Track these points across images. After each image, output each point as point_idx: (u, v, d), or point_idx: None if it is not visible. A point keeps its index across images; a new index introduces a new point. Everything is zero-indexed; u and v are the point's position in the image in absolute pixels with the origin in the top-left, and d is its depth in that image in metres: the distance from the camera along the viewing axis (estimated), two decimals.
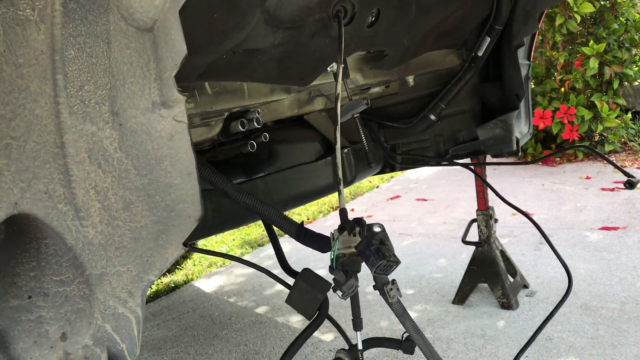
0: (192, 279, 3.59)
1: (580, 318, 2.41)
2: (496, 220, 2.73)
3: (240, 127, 1.98)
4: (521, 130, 2.62)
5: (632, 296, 2.55)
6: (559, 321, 2.40)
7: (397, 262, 1.08)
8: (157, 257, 0.95)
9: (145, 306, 3.03)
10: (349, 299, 1.29)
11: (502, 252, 2.72)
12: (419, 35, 1.94)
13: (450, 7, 1.93)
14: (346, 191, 5.51)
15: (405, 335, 1.50)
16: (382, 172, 2.87)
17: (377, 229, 1.16)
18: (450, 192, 4.93)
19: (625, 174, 2.03)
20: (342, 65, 1.35)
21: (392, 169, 2.86)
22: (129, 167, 0.91)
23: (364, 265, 1.18)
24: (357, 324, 1.31)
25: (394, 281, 1.31)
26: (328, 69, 1.75)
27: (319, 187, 2.43)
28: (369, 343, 1.56)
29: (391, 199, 5.06)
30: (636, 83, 5.78)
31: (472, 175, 2.68)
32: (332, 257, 1.15)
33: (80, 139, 0.87)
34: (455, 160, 2.62)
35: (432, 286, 2.99)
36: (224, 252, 4.10)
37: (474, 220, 2.77)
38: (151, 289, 3.48)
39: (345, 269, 1.14)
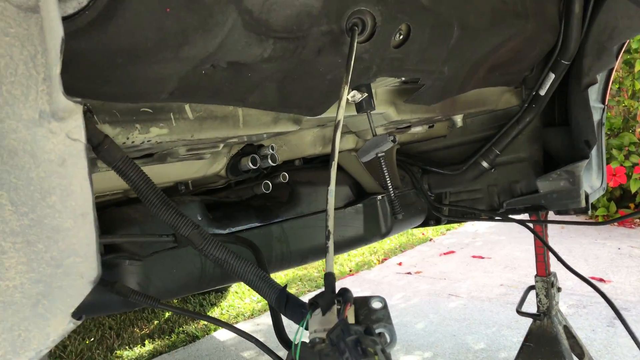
0: (214, 330, 3.30)
1: None
2: (559, 289, 2.30)
3: (250, 164, 1.71)
4: (592, 184, 2.21)
5: None
6: None
7: None
8: (35, 332, 0.66)
9: (159, 358, 2.75)
10: None
11: (566, 328, 2.27)
12: (465, 65, 1.62)
13: (504, 34, 1.61)
14: (395, 243, 5.12)
15: None
16: (425, 224, 2.51)
17: (375, 305, 0.83)
18: (510, 251, 4.45)
19: None
20: (347, 87, 1.05)
21: (437, 222, 2.50)
22: (3, 202, 0.64)
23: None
24: None
25: None
26: (349, 98, 1.46)
27: (346, 238, 2.11)
28: None
29: (444, 254, 4.63)
30: None
31: None
32: (297, 343, 0.83)
33: None
34: (510, 216, 2.24)
35: None
36: (254, 302, 3.81)
37: (532, 288, 2.34)
38: (169, 338, 3.22)
39: (320, 356, 0.82)
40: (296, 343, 0.82)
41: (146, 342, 3.18)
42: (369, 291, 3.77)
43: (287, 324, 1.45)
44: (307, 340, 0.89)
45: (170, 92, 1.05)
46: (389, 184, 1.55)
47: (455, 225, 5.66)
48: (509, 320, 2.99)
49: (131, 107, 1.09)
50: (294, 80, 1.22)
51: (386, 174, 1.57)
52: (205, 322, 3.42)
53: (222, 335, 3.21)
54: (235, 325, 3.38)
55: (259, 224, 1.88)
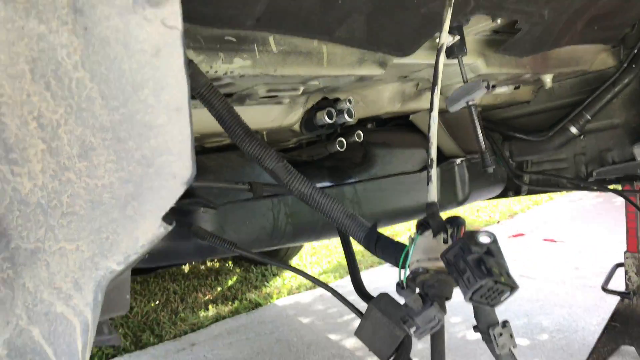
0: (277, 298, 3.29)
1: None
2: None
3: (326, 118, 1.64)
4: None
5: None
6: None
7: (513, 287, 0.67)
8: (123, 236, 0.62)
9: (222, 322, 2.76)
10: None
11: None
12: (565, 11, 1.48)
13: None
14: None
15: None
16: (504, 194, 2.38)
17: (484, 239, 0.74)
18: (585, 236, 4.20)
19: None
20: (451, 7, 0.95)
21: (517, 192, 2.36)
22: (94, 95, 0.60)
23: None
24: None
25: (505, 323, 0.87)
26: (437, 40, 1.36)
27: (421, 203, 2.00)
28: None
29: (513, 236, 4.43)
30: None
31: (613, 217, 2.10)
32: (404, 268, 0.75)
33: (19, 42, 0.58)
34: (600, 186, 2.07)
35: (556, 341, 2.41)
36: (316, 275, 3.77)
37: (620, 265, 2.17)
38: (232, 304, 3.23)
39: (424, 291, 0.74)
40: (402, 268, 0.75)
41: (210, 307, 3.20)
42: None
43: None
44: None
45: (257, 17, 0.99)
46: (480, 135, 1.43)
47: (524, 207, 5.43)
48: (585, 303, 2.81)
49: (215, 35, 1.04)
50: (384, 13, 1.14)
51: (477, 122, 1.45)
52: (268, 291, 3.42)
53: (283, 303, 3.19)
54: (298, 295, 3.36)
55: (331, 184, 1.82)
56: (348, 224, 0.95)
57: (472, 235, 0.75)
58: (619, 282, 2.16)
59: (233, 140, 0.98)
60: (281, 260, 3.98)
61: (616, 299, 2.13)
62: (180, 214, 1.41)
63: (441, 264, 0.73)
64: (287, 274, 3.79)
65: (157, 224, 0.61)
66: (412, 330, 0.74)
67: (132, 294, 3.40)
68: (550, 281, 3.24)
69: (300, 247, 3.99)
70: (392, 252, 0.87)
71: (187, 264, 4.09)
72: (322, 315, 2.92)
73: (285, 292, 3.40)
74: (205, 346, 2.61)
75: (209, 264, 4.16)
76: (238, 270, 3.94)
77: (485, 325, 0.86)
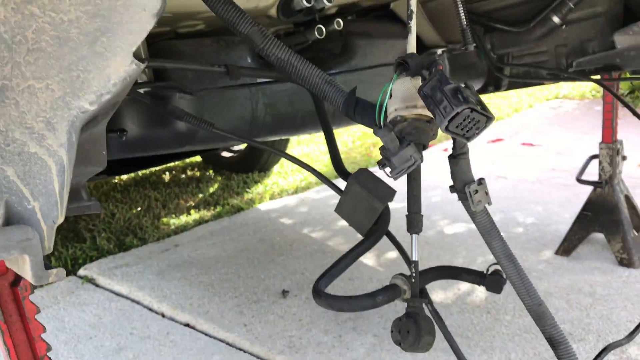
0: (259, 203, 3.33)
1: None
2: (624, 158, 2.17)
3: (304, 2, 1.58)
4: None
5: None
6: None
7: (488, 117, 0.67)
8: (94, 73, 0.59)
9: (205, 225, 2.79)
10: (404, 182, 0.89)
11: (628, 198, 2.17)
12: None
13: None
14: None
15: (491, 268, 1.08)
16: (484, 90, 2.37)
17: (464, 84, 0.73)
18: (562, 139, 4.26)
19: None
20: None
21: (497, 87, 2.35)
22: None
23: None
24: (413, 224, 0.89)
25: (481, 180, 0.89)
26: None
27: None
28: (441, 272, 1.17)
29: (492, 141, 4.48)
30: None
31: (591, 123, 2.12)
32: (381, 107, 0.75)
33: None
34: (582, 76, 2.07)
35: (530, 233, 2.50)
36: (297, 181, 3.80)
37: (594, 156, 2.22)
38: (213, 209, 3.27)
39: (401, 135, 0.74)
40: (381, 103, 0.74)
41: (192, 212, 3.23)
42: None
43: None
44: None
45: None
46: (462, 12, 1.39)
47: (504, 114, 5.46)
48: (560, 199, 2.90)
49: None
50: None
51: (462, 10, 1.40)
52: (250, 197, 3.45)
53: (266, 207, 3.23)
54: (280, 199, 3.40)
55: None
56: (327, 89, 0.94)
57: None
58: (594, 175, 2.22)
59: (206, 3, 0.94)
60: (261, 169, 3.99)
61: (589, 190, 2.19)
62: (155, 99, 1.38)
63: (419, 111, 0.73)
64: (269, 180, 3.82)
65: (128, 60, 0.59)
66: (388, 171, 0.75)
67: (114, 202, 3.41)
68: (526, 181, 3.32)
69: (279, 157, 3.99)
70: (371, 113, 0.86)
71: (168, 173, 4.09)
72: (305, 217, 2.98)
73: (267, 197, 3.44)
74: (189, 247, 2.66)
75: (189, 172, 4.16)
76: (219, 178, 3.95)
77: (462, 184, 0.88)
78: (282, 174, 3.98)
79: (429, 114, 0.73)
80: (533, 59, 2.21)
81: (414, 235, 0.94)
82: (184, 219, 3.12)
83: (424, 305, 1.07)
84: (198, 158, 4.49)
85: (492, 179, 3.40)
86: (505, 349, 1.62)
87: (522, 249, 2.32)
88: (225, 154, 4.18)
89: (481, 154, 4.11)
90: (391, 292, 1.03)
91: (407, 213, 0.96)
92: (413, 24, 0.79)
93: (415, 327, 0.88)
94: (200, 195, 3.57)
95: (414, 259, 0.95)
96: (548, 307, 1.69)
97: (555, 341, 0.86)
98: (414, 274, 0.95)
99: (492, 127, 5.03)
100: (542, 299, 0.91)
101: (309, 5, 1.58)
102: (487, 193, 0.88)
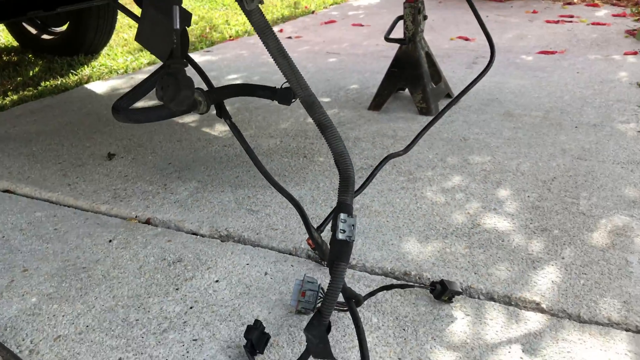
0: (86, 83, 3.17)
1: (501, 123, 2.20)
2: (425, 17, 2.40)
3: None
4: None
5: (558, 106, 2.35)
6: (477, 124, 2.19)
7: None
8: None
9: (25, 104, 2.62)
10: None
11: (428, 55, 2.42)
12: None
13: None
14: (277, 15, 5.01)
15: (284, 85, 1.20)
16: None
17: None
18: (390, 20, 4.51)
19: None
20: None
21: None
22: None
23: None
24: None
25: None
26: None
27: None
28: (237, 89, 1.26)
29: (325, 23, 4.62)
30: None
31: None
32: None
33: None
34: None
35: (350, 95, 2.71)
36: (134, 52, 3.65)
37: (400, 17, 2.42)
38: (34, 90, 3.05)
39: None
40: None
41: (9, 94, 3.00)
42: (250, 51, 3.74)
43: None
44: None
45: None
46: None
47: (339, 1, 5.60)
48: (381, 68, 3.13)
49: None
50: None
51: None
52: (76, 79, 3.26)
53: (94, 86, 3.09)
54: (110, 80, 3.25)
55: None
56: None
57: None
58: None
59: None
60: (88, 52, 3.75)
61: None
62: None
63: None
64: (97, 62, 3.62)
65: None
66: None
67: None
68: (353, 55, 3.52)
69: (108, 36, 3.77)
70: None
71: None
72: None
73: (95, 78, 3.28)
74: (7, 124, 2.50)
75: (5, 57, 3.79)
76: (40, 62, 3.66)
77: None
78: (110, 56, 3.79)
79: None
80: None
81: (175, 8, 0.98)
82: None
83: (227, 121, 1.17)
84: (14, 42, 4.09)
85: (322, 55, 3.56)
86: (315, 181, 1.82)
87: (340, 107, 2.53)
88: (46, 36, 3.85)
89: (315, 33, 4.24)
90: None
91: None
92: None
93: (175, 82, 0.96)
94: (19, 79, 3.29)
95: (176, 27, 1.00)
96: (357, 148, 1.90)
97: (324, 126, 1.00)
98: (175, 42, 1.02)
99: (328, 10, 5.16)
100: (311, 90, 1.04)
101: None
102: None
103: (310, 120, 2.38)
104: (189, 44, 1.24)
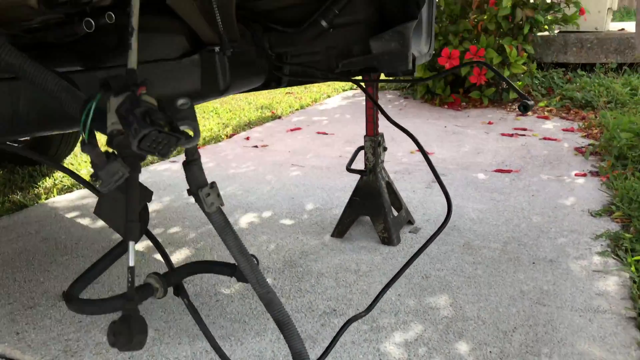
0: (46, 198, 3.12)
1: (461, 257, 2.24)
2: (385, 149, 2.48)
3: None
4: (420, 49, 2.34)
5: (516, 237, 2.41)
6: (438, 259, 2.22)
7: (178, 137, 0.74)
8: None
9: None
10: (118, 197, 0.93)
11: (389, 184, 2.49)
12: None
13: None
14: (244, 119, 5.12)
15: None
16: (266, 86, 2.50)
17: (180, 103, 0.81)
18: (353, 128, 4.67)
19: (521, 95, 1.79)
20: None
21: (278, 83, 2.50)
22: None
23: None
24: (130, 232, 0.93)
25: (213, 184, 0.98)
26: None
27: (182, 92, 2.03)
28: (194, 267, 1.25)
29: (291, 130, 4.73)
30: (546, 33, 5.72)
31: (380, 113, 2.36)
32: (85, 123, 0.79)
33: None
34: (346, 76, 2.31)
35: (313, 218, 2.73)
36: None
37: (361, 148, 2.50)
38: None
39: (121, 151, 0.79)
40: (89, 117, 0.78)
41: None
42: (216, 162, 3.78)
43: None
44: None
45: None
46: (218, 21, 1.46)
47: (305, 103, 5.78)
48: (343, 185, 3.20)
49: None
50: None
51: (216, 10, 1.49)
52: (36, 192, 3.21)
53: (53, 202, 3.04)
54: (70, 194, 3.21)
55: (83, 69, 1.74)
56: (63, 97, 0.95)
57: (171, 101, 0.82)
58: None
59: None
60: (53, 158, 3.72)
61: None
62: None
63: None
64: (59, 174, 3.58)
65: None
66: (97, 185, 0.79)
67: None
68: (316, 168, 3.59)
69: (74, 144, 3.76)
70: (102, 121, 0.89)
71: None
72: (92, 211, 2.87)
73: (55, 192, 3.23)
74: None
75: None
76: (0, 172, 3.60)
77: (195, 188, 0.96)
78: (74, 165, 3.76)
79: None
80: (309, 58, 2.40)
81: (130, 243, 0.96)
82: None
83: (184, 300, 1.14)
84: None
85: (287, 167, 3.62)
86: (276, 330, 1.78)
87: (303, 233, 2.53)
88: (8, 144, 3.81)
89: (281, 142, 4.33)
90: (144, 291, 1.09)
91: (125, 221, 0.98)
92: (134, 41, 0.84)
93: (128, 329, 0.94)
94: None
95: (130, 264, 0.97)
96: (320, 286, 1.89)
97: (282, 323, 0.99)
98: (129, 280, 0.98)
99: (294, 115, 5.31)
100: (270, 287, 1.04)
101: None
102: (218, 195, 0.98)
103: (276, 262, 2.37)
104: (148, 220, 1.23)
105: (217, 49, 2.08)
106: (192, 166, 0.94)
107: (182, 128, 0.79)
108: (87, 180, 1.23)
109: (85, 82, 1.74)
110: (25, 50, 1.60)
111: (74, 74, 1.70)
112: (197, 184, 0.96)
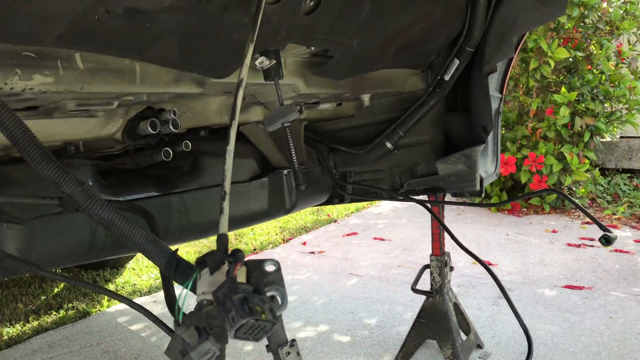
0: (107, 307, 3.15)
1: None
2: (452, 269, 2.40)
3: (149, 129, 1.63)
4: (487, 169, 2.32)
5: None
6: None
7: (273, 323, 0.73)
8: None
9: (44, 334, 2.59)
10: None
11: (456, 305, 2.38)
12: (374, 41, 1.62)
13: (413, 13, 1.63)
14: (301, 223, 5.15)
15: None
16: (329, 202, 2.53)
17: (268, 268, 0.80)
18: (410, 234, 4.61)
19: (602, 227, 1.72)
20: (252, 45, 1.01)
21: (341, 200, 2.52)
22: None
23: None
24: None
25: (293, 342, 0.95)
26: (257, 64, 1.42)
27: (250, 211, 2.07)
28: None
29: (347, 235, 4.71)
30: (607, 139, 5.63)
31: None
32: (180, 303, 0.79)
33: None
34: (411, 197, 2.30)
35: (374, 337, 2.62)
36: (152, 279, 3.67)
37: (426, 267, 2.43)
38: (57, 314, 3.03)
39: (208, 322, 0.78)
40: (180, 305, 0.78)
41: (30, 318, 2.97)
42: None
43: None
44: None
45: (58, 35, 0.96)
46: (293, 155, 1.52)
47: (360, 206, 5.79)
48: (404, 299, 3.10)
49: (11, 49, 0.99)
50: (197, 37, 1.16)
51: (291, 144, 1.55)
52: (98, 298, 3.26)
53: (114, 310, 3.07)
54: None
55: (157, 194, 1.80)
56: (150, 249, 0.96)
57: (258, 264, 0.81)
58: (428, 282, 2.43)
59: (29, 162, 0.95)
60: (115, 265, 3.81)
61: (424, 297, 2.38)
62: None
63: None
64: (121, 279, 3.65)
65: None
66: None
67: None
68: (375, 278, 3.51)
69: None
70: (190, 275, 0.90)
71: None
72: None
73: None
74: None
75: None
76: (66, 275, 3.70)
77: (275, 345, 0.94)
78: (135, 270, 3.83)
79: None
80: (372, 176, 2.43)
81: None
82: (19, 327, 2.86)
83: None
84: None
85: (345, 276, 3.56)
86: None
87: (365, 355, 2.43)
88: None
89: (337, 247, 4.30)
90: None
91: None
92: (226, 205, 0.86)
93: None
94: (43, 298, 3.30)
95: None
96: None
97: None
98: None
99: (350, 218, 5.31)
100: None
101: (154, 132, 1.62)
102: (298, 353, 0.94)
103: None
104: None
105: (285, 171, 2.13)
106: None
107: (268, 294, 0.78)
108: (141, 306, 1.22)
109: (160, 206, 1.80)
110: (104, 176, 1.69)
111: (150, 199, 1.77)
112: (278, 341, 0.93)
